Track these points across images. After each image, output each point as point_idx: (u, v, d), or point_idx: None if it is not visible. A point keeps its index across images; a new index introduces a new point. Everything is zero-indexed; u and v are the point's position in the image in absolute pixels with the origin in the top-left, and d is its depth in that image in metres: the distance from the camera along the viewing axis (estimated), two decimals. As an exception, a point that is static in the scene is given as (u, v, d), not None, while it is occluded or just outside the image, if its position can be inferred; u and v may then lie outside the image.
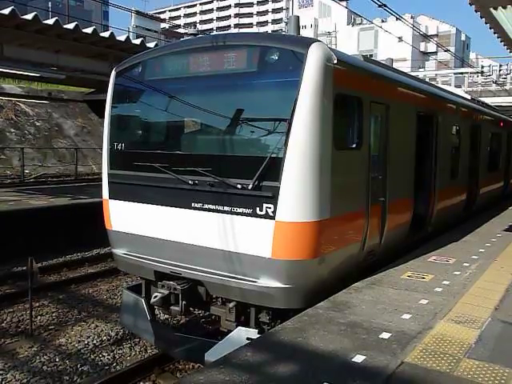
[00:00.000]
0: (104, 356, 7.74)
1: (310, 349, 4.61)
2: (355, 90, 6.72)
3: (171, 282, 6.66)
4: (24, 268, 10.15)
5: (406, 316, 5.53)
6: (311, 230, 5.80)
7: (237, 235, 5.99)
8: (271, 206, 5.71)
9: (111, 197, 7.39)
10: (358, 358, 4.40)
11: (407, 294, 6.38)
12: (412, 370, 4.22)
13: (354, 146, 6.81)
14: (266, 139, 6.13)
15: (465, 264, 8.00)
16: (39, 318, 9.21)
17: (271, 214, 5.72)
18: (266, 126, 6.07)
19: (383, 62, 9.61)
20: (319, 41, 6.13)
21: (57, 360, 7.52)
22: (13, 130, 26.78)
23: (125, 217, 7.25)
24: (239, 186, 5.89)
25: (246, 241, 5.94)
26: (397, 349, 4.62)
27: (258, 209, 5.80)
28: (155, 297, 6.72)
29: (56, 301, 10.18)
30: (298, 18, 7.27)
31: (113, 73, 7.58)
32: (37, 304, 9.73)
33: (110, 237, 7.60)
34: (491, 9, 8.31)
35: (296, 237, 5.79)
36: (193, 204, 6.38)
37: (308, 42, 5.91)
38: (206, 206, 6.26)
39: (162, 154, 7.03)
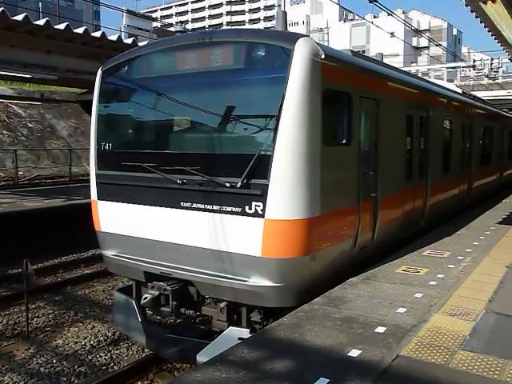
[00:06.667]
0: (101, 356, 7.74)
1: (306, 344, 4.63)
2: (344, 85, 6.65)
3: (161, 283, 6.57)
4: (19, 270, 10.12)
5: (401, 310, 5.56)
6: (301, 227, 5.73)
7: (226, 234, 5.92)
8: (260, 204, 5.65)
9: (100, 198, 7.31)
10: (354, 353, 4.42)
11: (402, 288, 6.42)
12: (407, 362, 4.25)
13: (343, 141, 6.75)
14: (254, 136, 6.06)
15: (459, 257, 8.05)
16: (36, 319, 9.20)
17: (260, 213, 5.65)
18: (254, 123, 6.02)
19: (373, 57, 9.59)
20: (306, 36, 6.06)
21: (54, 361, 7.52)
22: (5, 132, 26.64)
23: (113, 218, 7.18)
24: (228, 185, 5.82)
25: (235, 240, 5.88)
26: (392, 342, 4.65)
27: (247, 207, 5.74)
28: (145, 298, 6.64)
29: (52, 302, 10.16)
30: (285, 13, 7.21)
31: (99, 72, 7.46)
32: (33, 306, 9.71)
33: (98, 238, 7.52)
34: (481, 3, 8.34)
35: (286, 235, 5.72)
36: (182, 203, 6.31)
37: (295, 38, 5.83)
38: (195, 206, 6.19)
39: (150, 153, 6.94)
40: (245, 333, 5.98)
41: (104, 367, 7.43)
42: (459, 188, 12.88)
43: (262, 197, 5.63)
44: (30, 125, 28.24)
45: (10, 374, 7.11)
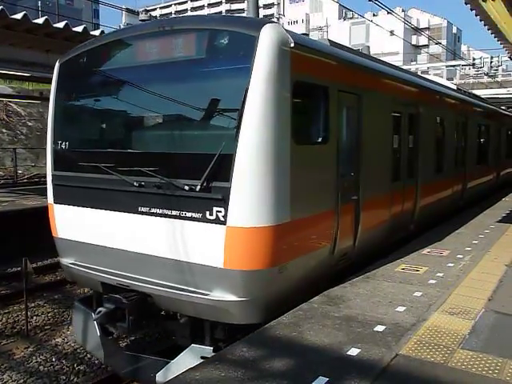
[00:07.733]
0: (100, 355, 7.73)
1: (305, 343, 4.63)
2: (318, 77, 6.09)
3: (118, 296, 5.91)
4: (19, 268, 10.10)
5: (401, 308, 5.56)
6: (268, 235, 5.18)
7: (186, 242, 5.41)
8: (222, 209, 5.12)
9: (56, 201, 6.82)
10: (353, 351, 4.42)
11: (402, 286, 6.41)
12: (406, 361, 4.25)
13: (319, 140, 6.25)
14: (215, 134, 5.59)
15: (458, 256, 8.05)
16: (35, 318, 9.20)
17: (222, 219, 5.12)
18: (215, 120, 5.62)
19: (356, 49, 9.09)
20: (274, 22, 5.56)
21: (53, 360, 7.52)
22: (4, 131, 26.63)
23: (70, 223, 6.68)
24: (186, 188, 5.30)
25: (196, 249, 5.37)
26: (391, 341, 4.65)
27: (207, 213, 5.22)
28: (98, 312, 5.94)
29: (51, 301, 10.16)
30: None
31: (56, 65, 6.94)
32: (32, 304, 9.71)
33: (56, 245, 7.04)
34: (480, 1, 8.31)
35: (250, 244, 5.17)
36: (139, 208, 5.78)
37: (260, 24, 5.27)
38: (154, 211, 5.68)
39: (107, 152, 6.44)
40: (208, 351, 5.52)
41: (103, 366, 7.41)
42: (452, 189, 12.47)
43: (224, 201, 5.09)
44: (30, 123, 28.24)
45: (10, 372, 7.11)
